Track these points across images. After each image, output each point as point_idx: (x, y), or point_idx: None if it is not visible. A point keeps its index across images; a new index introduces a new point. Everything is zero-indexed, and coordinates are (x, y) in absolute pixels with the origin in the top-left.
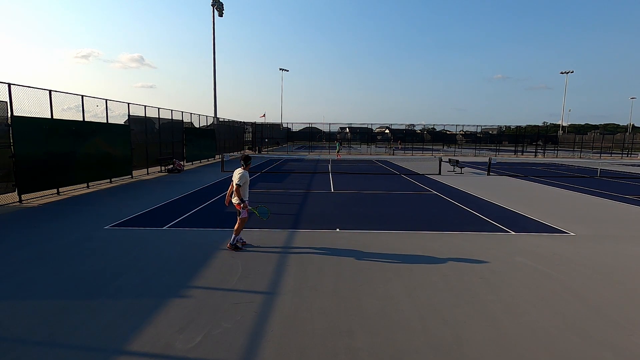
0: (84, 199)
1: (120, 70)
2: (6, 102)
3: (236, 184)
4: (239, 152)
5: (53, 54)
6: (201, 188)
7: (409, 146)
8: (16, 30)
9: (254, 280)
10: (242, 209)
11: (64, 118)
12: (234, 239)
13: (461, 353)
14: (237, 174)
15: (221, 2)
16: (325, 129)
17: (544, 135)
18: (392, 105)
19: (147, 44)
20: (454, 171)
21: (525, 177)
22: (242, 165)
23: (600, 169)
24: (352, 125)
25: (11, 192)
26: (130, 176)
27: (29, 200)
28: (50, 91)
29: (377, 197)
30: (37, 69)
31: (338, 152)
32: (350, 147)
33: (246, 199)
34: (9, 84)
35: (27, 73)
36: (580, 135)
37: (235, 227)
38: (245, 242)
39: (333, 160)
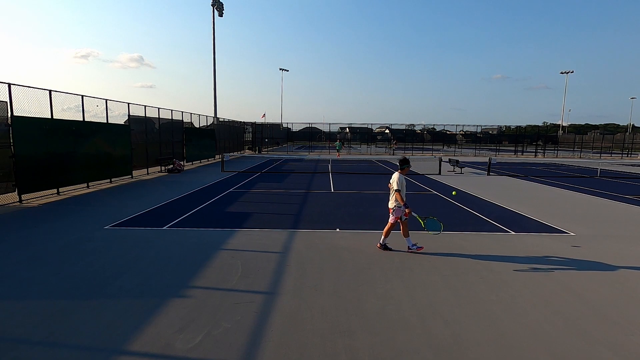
0: (84, 199)
1: (119, 70)
2: (6, 102)
3: (395, 190)
4: (239, 152)
5: (52, 53)
6: (201, 188)
7: (409, 146)
8: (15, 29)
9: (254, 280)
10: (393, 214)
11: (64, 118)
12: (383, 240)
13: (461, 353)
14: (394, 177)
15: (221, 2)
16: (325, 129)
17: (544, 135)
18: (392, 105)
19: (147, 44)
20: (454, 171)
21: (525, 177)
22: (399, 169)
23: (600, 169)
24: (352, 125)
25: (11, 192)
26: (130, 176)
27: (29, 200)
28: (50, 91)
29: (377, 197)
30: (36, 68)
31: (338, 151)
32: (350, 147)
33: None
34: (9, 84)
35: (25, 73)
36: (580, 135)
37: (385, 229)
38: (388, 247)
39: (333, 160)
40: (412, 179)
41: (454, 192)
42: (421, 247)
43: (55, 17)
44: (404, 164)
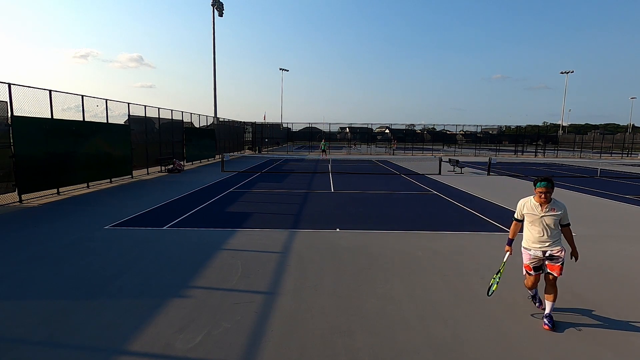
0: (84, 199)
1: (119, 70)
2: (6, 102)
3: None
4: (239, 152)
5: (52, 53)
6: (201, 188)
7: (409, 146)
8: (15, 29)
9: (254, 280)
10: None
11: (64, 118)
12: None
13: (461, 353)
14: None
15: (221, 2)
16: (326, 129)
17: (544, 135)
18: (392, 105)
19: (147, 43)
20: (454, 171)
21: (525, 177)
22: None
23: (600, 169)
24: (352, 125)
25: (11, 192)
26: (130, 176)
27: (29, 200)
28: (50, 91)
29: (377, 197)
30: (36, 68)
31: (323, 151)
32: (350, 147)
33: (522, 243)
34: (9, 84)
35: (25, 73)
36: (580, 135)
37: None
38: (540, 304)
39: (333, 160)
40: (412, 179)
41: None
42: (548, 327)
43: (55, 17)
44: (535, 184)
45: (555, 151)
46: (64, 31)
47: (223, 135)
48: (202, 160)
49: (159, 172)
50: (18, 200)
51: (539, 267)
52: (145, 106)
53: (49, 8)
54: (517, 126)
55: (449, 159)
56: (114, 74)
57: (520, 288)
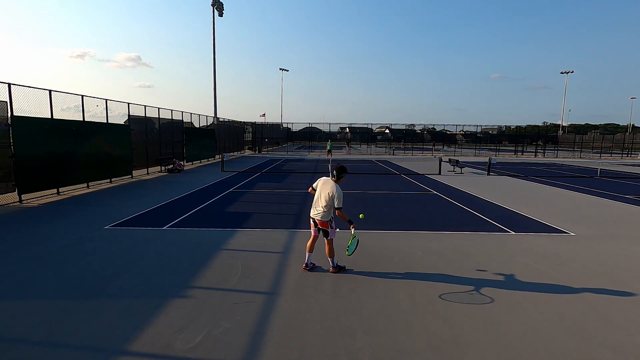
0: (84, 199)
1: (116, 69)
2: (6, 102)
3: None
4: (239, 152)
5: (51, 53)
6: (201, 188)
7: (409, 146)
8: (15, 29)
9: (254, 280)
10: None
11: (63, 118)
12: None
13: (461, 353)
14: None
15: (221, 2)
16: (325, 129)
17: (544, 135)
18: (392, 105)
19: (145, 43)
20: (454, 171)
21: (525, 177)
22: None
23: (600, 169)
24: (352, 125)
25: (11, 192)
26: (130, 176)
27: (29, 200)
28: (50, 91)
29: (377, 197)
30: (35, 68)
31: (329, 151)
32: (351, 147)
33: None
34: (9, 84)
35: (25, 73)
36: (580, 135)
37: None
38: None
39: (333, 161)
40: (412, 179)
41: (361, 216)
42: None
43: (55, 17)
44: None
45: (555, 151)
46: (62, 31)
47: (223, 135)
48: (202, 160)
49: (159, 172)
50: (18, 200)
51: None
52: (145, 106)
53: (49, 8)
54: (517, 126)
55: (449, 159)
56: (111, 73)
57: (519, 288)
